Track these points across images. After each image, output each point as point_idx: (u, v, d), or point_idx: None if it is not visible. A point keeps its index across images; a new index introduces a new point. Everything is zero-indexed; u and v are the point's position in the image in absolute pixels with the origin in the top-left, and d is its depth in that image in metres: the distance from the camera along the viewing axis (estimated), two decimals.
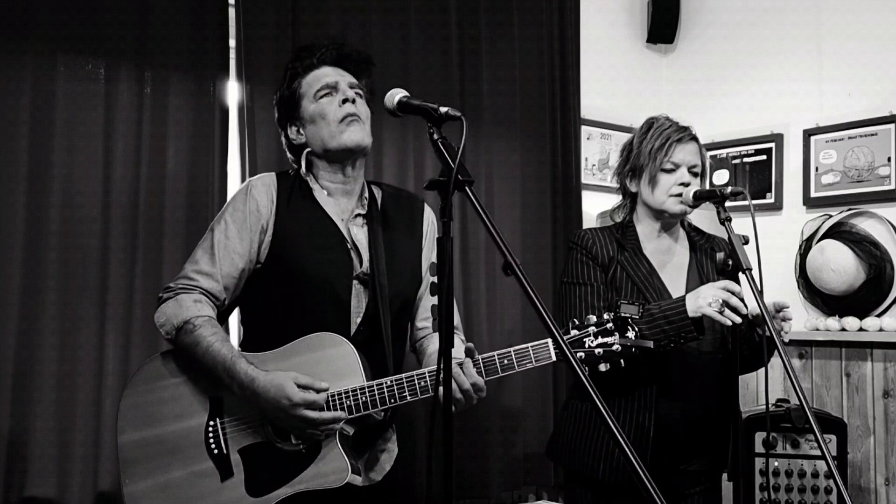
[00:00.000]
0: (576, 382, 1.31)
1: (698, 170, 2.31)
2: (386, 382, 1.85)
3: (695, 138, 2.33)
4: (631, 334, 1.84)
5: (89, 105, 2.45)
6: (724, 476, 2.39)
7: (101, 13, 2.46)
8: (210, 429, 1.90)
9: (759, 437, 2.99)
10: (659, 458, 2.17)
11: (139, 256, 2.49)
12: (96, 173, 2.44)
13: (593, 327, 1.85)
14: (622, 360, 1.84)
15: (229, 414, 1.90)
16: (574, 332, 1.86)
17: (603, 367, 1.83)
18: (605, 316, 1.86)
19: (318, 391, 1.81)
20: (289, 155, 2.13)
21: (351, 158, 2.03)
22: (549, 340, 1.86)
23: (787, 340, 2.04)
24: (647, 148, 2.29)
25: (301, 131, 2.06)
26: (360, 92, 2.07)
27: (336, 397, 1.84)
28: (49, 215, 2.36)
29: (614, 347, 1.83)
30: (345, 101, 2.00)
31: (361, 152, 2.04)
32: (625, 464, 1.23)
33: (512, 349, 1.87)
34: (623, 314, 1.83)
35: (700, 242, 2.42)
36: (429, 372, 1.85)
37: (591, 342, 1.85)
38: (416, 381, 1.84)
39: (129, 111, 2.51)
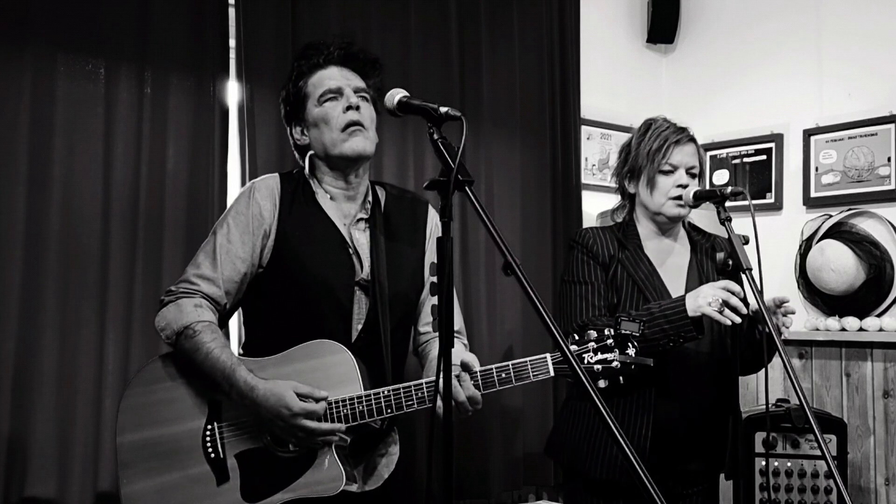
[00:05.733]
0: (576, 382, 1.31)
1: (696, 171, 2.31)
2: (384, 392, 1.83)
3: (692, 139, 2.33)
4: (631, 351, 1.83)
5: (89, 105, 2.44)
6: (722, 476, 2.39)
7: (101, 13, 2.46)
8: (208, 433, 1.89)
9: (759, 437, 2.99)
10: (657, 459, 2.17)
11: (139, 256, 2.49)
12: (96, 173, 2.44)
13: (593, 343, 1.84)
14: (621, 378, 1.83)
15: (227, 418, 1.89)
16: (574, 348, 1.84)
17: (602, 384, 1.82)
18: (606, 332, 1.84)
19: (317, 400, 1.81)
20: (295, 154, 2.11)
21: (353, 166, 2.01)
22: (548, 356, 1.85)
23: (785, 335, 2.03)
24: (645, 150, 2.29)
25: (305, 133, 2.04)
26: (366, 95, 2.03)
27: (334, 406, 1.83)
28: (49, 215, 2.36)
29: (613, 364, 1.82)
30: (349, 107, 1.97)
31: (364, 160, 2.02)
32: (624, 463, 1.22)
33: (510, 363, 1.86)
34: (624, 331, 1.81)
35: (701, 242, 2.42)
36: (426, 383, 1.84)
37: (591, 358, 1.84)
38: (413, 392, 1.83)
39: (129, 111, 2.50)
